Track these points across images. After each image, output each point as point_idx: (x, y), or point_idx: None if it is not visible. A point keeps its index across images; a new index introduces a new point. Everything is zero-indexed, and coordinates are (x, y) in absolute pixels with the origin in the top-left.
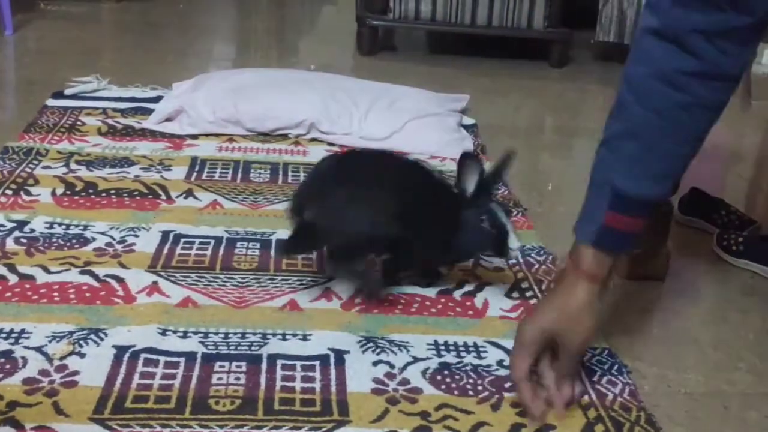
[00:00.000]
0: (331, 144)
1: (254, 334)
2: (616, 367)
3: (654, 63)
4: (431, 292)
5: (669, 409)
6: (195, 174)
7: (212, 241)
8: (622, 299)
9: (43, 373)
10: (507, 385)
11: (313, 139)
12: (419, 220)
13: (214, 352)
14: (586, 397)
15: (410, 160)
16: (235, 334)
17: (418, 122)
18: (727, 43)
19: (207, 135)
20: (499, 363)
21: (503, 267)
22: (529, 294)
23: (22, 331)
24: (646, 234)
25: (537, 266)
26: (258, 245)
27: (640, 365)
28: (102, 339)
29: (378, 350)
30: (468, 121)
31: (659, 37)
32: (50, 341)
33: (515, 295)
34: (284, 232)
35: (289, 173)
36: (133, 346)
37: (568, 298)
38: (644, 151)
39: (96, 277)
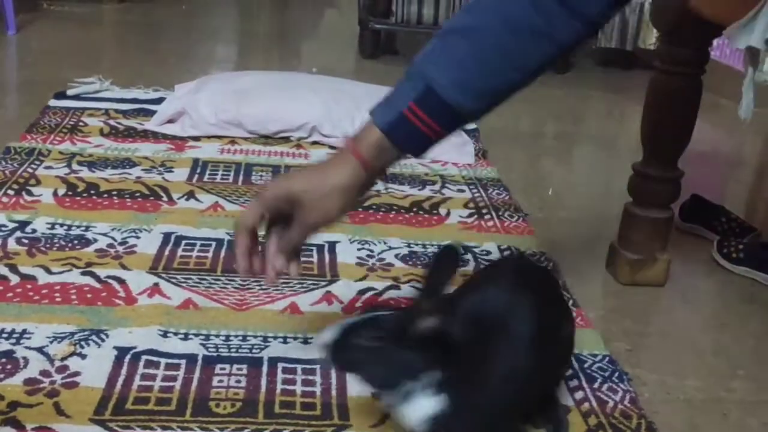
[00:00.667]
0: (332, 147)
1: (255, 336)
2: (616, 374)
3: None
4: None
5: (668, 416)
6: (197, 176)
7: (213, 243)
8: (621, 306)
9: (44, 373)
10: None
11: (315, 142)
12: None
13: (215, 354)
14: (586, 404)
15: None
16: (236, 336)
17: None
18: None
19: (209, 137)
20: None
21: None
22: None
23: (24, 331)
24: (645, 240)
25: None
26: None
27: (639, 372)
28: (103, 340)
29: None
30: (469, 125)
31: None
32: (51, 342)
33: None
34: None
35: None
36: (134, 347)
37: (330, 172)
38: (476, 59)
39: (97, 278)
